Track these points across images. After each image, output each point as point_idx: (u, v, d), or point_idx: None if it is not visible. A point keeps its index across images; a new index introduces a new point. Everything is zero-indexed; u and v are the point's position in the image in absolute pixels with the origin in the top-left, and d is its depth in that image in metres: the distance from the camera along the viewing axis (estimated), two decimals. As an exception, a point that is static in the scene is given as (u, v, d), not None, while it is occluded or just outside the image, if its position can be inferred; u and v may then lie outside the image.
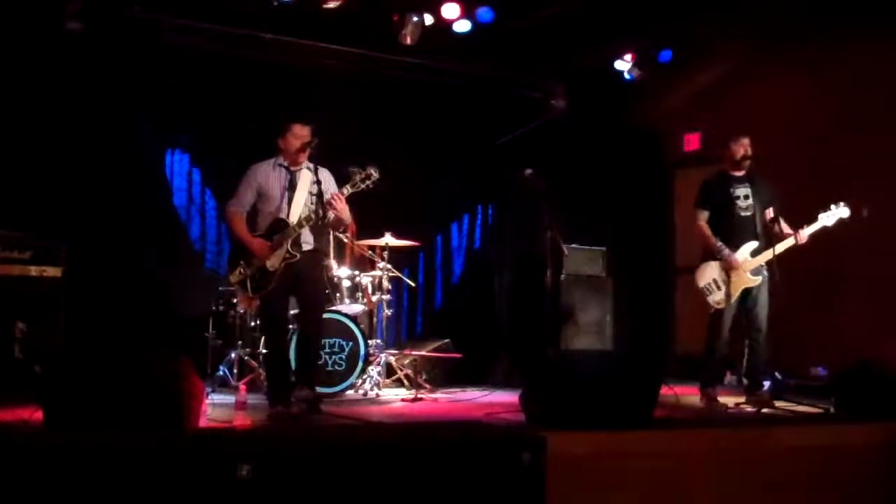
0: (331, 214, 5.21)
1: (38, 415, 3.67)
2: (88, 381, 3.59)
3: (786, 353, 6.78)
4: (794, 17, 7.55)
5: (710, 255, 6.00)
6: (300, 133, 5.27)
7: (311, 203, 5.23)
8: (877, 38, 7.33)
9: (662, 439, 4.08)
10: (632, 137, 9.32)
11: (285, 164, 5.33)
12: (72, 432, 3.44)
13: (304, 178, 5.29)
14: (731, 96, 8.50)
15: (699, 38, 8.11)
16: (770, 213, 6.04)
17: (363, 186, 5.20)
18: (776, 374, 6.55)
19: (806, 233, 5.86)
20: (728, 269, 5.88)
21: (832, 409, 5.18)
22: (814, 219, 5.88)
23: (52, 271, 6.09)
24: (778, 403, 5.55)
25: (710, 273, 5.98)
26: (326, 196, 5.22)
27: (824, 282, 7.20)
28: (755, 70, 8.29)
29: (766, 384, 6.95)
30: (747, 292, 5.93)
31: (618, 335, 8.19)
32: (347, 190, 5.20)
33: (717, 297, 5.95)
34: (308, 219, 5.15)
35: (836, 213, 5.89)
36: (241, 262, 5.28)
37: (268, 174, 5.32)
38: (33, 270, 6.04)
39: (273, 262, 5.20)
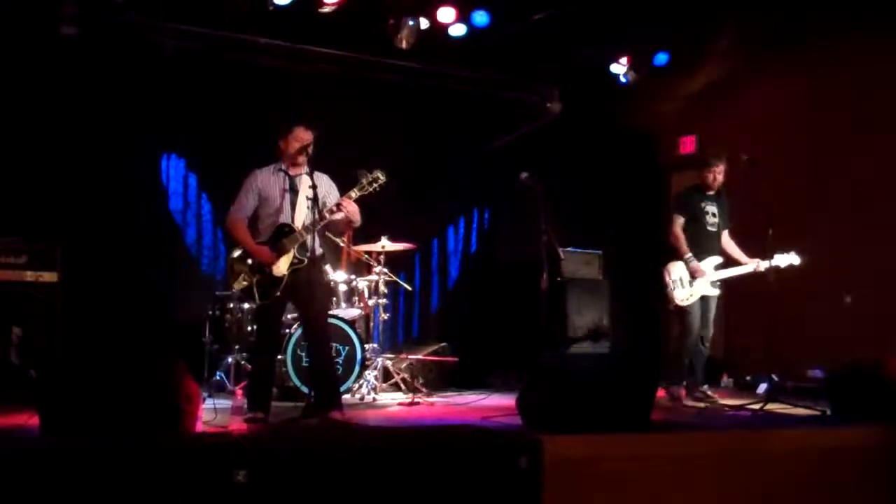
0: (339, 216, 5.21)
1: (35, 420, 3.66)
2: (84, 387, 3.59)
3: (784, 356, 6.78)
4: (790, 20, 7.56)
5: (679, 257, 6.34)
6: (302, 136, 5.24)
7: (309, 207, 5.22)
8: (874, 39, 7.33)
9: (659, 442, 4.08)
10: (627, 141, 9.34)
11: (285, 168, 5.33)
12: (68, 437, 3.44)
13: (304, 182, 5.27)
14: (726, 99, 8.51)
15: (694, 42, 8.11)
16: (725, 236, 6.48)
17: (370, 189, 5.21)
18: (773, 375, 6.58)
19: (762, 266, 6.20)
20: (692, 275, 6.25)
21: (828, 412, 5.19)
22: (770, 255, 6.15)
23: (48, 276, 6.07)
24: (773, 406, 5.56)
25: (678, 271, 6.32)
26: (324, 199, 5.22)
27: (823, 283, 7.20)
28: (751, 73, 8.30)
29: (763, 386, 6.99)
30: (704, 297, 6.31)
31: (614, 338, 8.19)
32: (355, 193, 5.20)
33: (681, 294, 6.28)
34: (314, 223, 5.12)
35: (788, 258, 6.15)
36: (246, 269, 5.21)
37: (268, 179, 5.30)
38: (29, 275, 6.02)
39: (280, 268, 5.16)
